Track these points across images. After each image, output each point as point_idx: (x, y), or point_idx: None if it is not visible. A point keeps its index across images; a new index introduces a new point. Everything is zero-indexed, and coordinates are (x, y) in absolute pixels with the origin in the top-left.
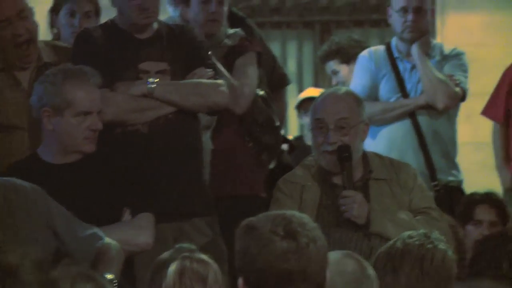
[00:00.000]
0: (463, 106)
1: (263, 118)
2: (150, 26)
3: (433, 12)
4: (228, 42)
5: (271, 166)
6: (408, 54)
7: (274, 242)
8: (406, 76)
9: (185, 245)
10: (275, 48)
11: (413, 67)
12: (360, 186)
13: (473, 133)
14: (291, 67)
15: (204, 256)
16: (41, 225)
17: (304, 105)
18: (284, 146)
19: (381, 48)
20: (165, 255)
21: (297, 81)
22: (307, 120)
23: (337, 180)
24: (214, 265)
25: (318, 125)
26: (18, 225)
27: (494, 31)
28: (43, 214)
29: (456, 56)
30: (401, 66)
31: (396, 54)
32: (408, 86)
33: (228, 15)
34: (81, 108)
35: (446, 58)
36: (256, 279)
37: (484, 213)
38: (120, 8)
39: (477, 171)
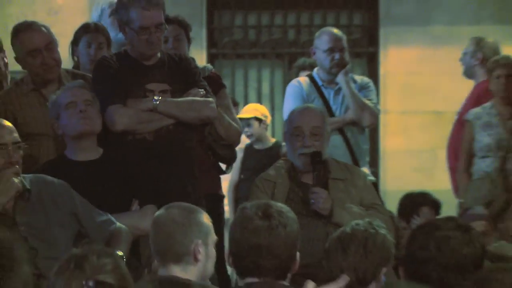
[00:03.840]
0: (400, 120)
1: (221, 137)
2: (154, 55)
3: (377, 45)
4: (204, 71)
5: (227, 172)
6: (329, 82)
7: (253, 220)
8: (331, 99)
9: None
10: (252, 75)
11: (336, 92)
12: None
13: (408, 143)
14: (265, 90)
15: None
16: (66, 213)
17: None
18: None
19: (306, 79)
20: None
21: (269, 101)
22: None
23: (304, 178)
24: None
25: (296, 132)
26: (48, 212)
27: (426, 62)
28: (68, 204)
29: (367, 84)
30: (325, 92)
31: (320, 83)
32: (334, 107)
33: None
34: (67, 103)
35: (361, 86)
36: (235, 249)
37: (426, 214)
38: (131, 41)
39: (409, 173)
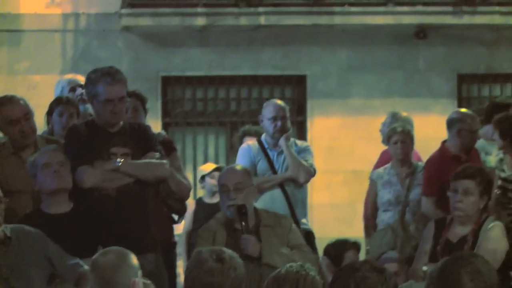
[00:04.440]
0: (324, 178)
1: (173, 192)
2: (118, 124)
3: (305, 115)
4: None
5: (179, 222)
6: (273, 145)
7: (208, 261)
8: (274, 159)
9: None
10: (199, 140)
11: (278, 153)
12: (254, 230)
13: (331, 197)
14: (210, 153)
15: (145, 279)
16: (41, 256)
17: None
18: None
19: (254, 142)
20: None
21: (215, 162)
22: (209, 184)
23: (237, 226)
24: (150, 285)
25: (222, 189)
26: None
27: (346, 129)
28: (43, 249)
29: (306, 147)
30: (270, 153)
31: (266, 146)
32: (276, 166)
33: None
34: (43, 163)
35: (300, 149)
36: (191, 285)
37: (352, 256)
38: (97, 111)
39: (332, 223)
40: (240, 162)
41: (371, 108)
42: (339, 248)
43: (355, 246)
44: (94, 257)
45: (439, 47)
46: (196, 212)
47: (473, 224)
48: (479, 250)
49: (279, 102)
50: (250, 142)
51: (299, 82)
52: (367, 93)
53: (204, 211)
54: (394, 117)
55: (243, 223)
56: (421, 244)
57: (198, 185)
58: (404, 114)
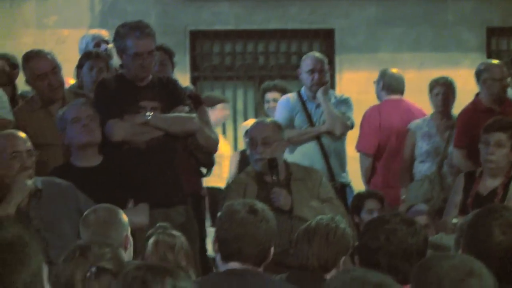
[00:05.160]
0: (353, 130)
1: (201, 145)
2: (146, 78)
3: (333, 70)
4: (187, 91)
5: (207, 175)
6: (313, 98)
7: (240, 212)
8: (312, 112)
9: (163, 224)
10: (228, 94)
11: (317, 106)
12: (285, 183)
13: None
14: (239, 106)
15: (173, 231)
16: (72, 208)
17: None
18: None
19: (294, 94)
20: (149, 232)
21: (243, 115)
22: None
23: (268, 179)
24: (181, 237)
25: (251, 142)
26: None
27: (373, 84)
28: (74, 201)
29: (345, 100)
30: (308, 105)
31: (305, 98)
32: (314, 119)
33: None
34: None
35: (339, 101)
36: (223, 236)
37: (372, 204)
38: (126, 65)
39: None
40: (279, 114)
41: (400, 62)
42: (359, 198)
43: (373, 195)
44: (85, 213)
45: (467, 1)
46: (240, 163)
47: (503, 177)
48: (509, 203)
49: (317, 55)
50: (289, 95)
51: (327, 36)
52: (395, 47)
53: (247, 163)
54: (382, 74)
55: (274, 177)
56: (451, 196)
57: (241, 138)
58: (394, 70)
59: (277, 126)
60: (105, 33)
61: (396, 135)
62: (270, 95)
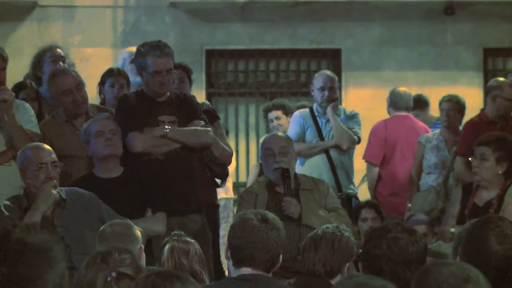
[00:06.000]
0: (362, 145)
1: (216, 158)
2: (165, 94)
3: (339, 87)
4: (203, 106)
5: (222, 186)
6: (323, 114)
7: (252, 221)
8: (322, 127)
9: (178, 232)
10: (241, 109)
11: (327, 121)
12: (294, 193)
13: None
14: (251, 121)
15: (187, 238)
16: (94, 217)
17: None
18: None
19: (306, 110)
20: (165, 239)
21: (255, 130)
22: None
23: (278, 189)
24: (195, 244)
25: (268, 153)
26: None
27: (377, 100)
28: (96, 210)
29: (354, 116)
30: (319, 121)
31: (316, 113)
32: (324, 133)
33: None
34: (96, 131)
35: (347, 116)
36: (236, 243)
37: (367, 213)
38: (146, 82)
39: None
40: (292, 128)
41: (403, 80)
42: (356, 207)
43: (368, 204)
44: (101, 228)
45: (466, 22)
46: (259, 175)
47: (499, 189)
48: (504, 214)
49: (328, 73)
50: (302, 111)
51: (334, 55)
52: (398, 66)
53: None
54: (391, 93)
55: (286, 186)
56: (449, 207)
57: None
58: (402, 89)
59: (289, 138)
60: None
61: (400, 148)
62: (271, 115)
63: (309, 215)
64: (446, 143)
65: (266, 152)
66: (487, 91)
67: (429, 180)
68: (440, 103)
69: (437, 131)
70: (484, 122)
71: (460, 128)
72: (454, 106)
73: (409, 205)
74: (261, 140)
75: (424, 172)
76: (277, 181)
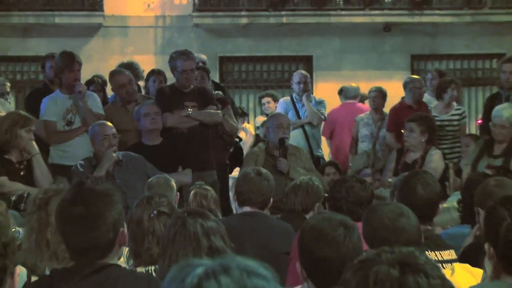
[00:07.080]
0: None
1: (227, 131)
2: (190, 87)
3: (311, 82)
4: (216, 96)
5: (231, 150)
6: (300, 100)
7: (250, 174)
8: (299, 110)
9: (199, 182)
10: (243, 98)
11: (303, 105)
12: (283, 155)
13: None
14: (250, 105)
15: (206, 186)
16: (142, 172)
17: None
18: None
19: (288, 98)
20: (191, 187)
21: (253, 111)
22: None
23: (273, 152)
24: (211, 190)
25: (279, 126)
26: (131, 172)
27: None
28: (143, 167)
29: (321, 102)
30: (297, 105)
31: (295, 100)
32: (300, 114)
33: (212, 82)
34: (145, 113)
35: (317, 102)
36: (239, 189)
37: (329, 169)
38: (176, 78)
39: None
40: (278, 110)
41: (355, 77)
42: (322, 165)
43: (330, 163)
44: (149, 180)
45: (398, 36)
46: (255, 142)
47: (422, 151)
48: (426, 168)
49: (303, 72)
50: (285, 98)
51: (308, 60)
52: (352, 67)
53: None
54: (342, 87)
55: (281, 150)
56: (387, 164)
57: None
58: (353, 84)
59: (288, 118)
60: (204, 56)
61: (348, 125)
62: (264, 100)
63: (294, 171)
64: (374, 121)
65: (278, 125)
66: (404, 85)
67: (362, 146)
68: (369, 92)
69: (367, 112)
70: (404, 107)
71: (383, 110)
72: (379, 94)
73: (350, 164)
74: (258, 118)
75: (359, 141)
76: (277, 147)
